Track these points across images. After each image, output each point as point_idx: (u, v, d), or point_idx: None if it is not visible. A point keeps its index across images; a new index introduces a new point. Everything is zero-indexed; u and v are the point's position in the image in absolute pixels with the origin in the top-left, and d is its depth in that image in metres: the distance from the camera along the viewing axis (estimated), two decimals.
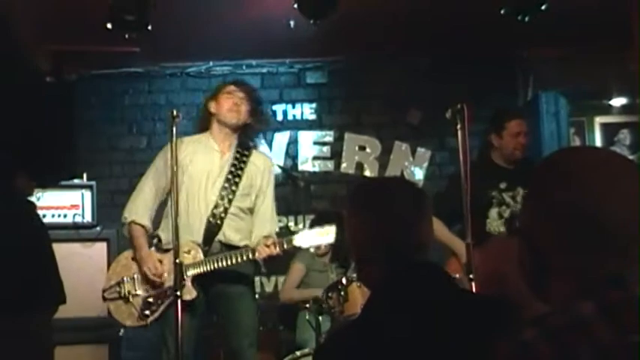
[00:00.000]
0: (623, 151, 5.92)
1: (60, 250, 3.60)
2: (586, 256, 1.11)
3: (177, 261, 3.13)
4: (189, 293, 3.38)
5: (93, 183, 4.71)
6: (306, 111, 5.84)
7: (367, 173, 5.77)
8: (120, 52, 5.06)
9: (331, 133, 5.81)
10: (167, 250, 3.45)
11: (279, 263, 3.98)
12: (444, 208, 3.60)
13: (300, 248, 3.58)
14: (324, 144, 5.80)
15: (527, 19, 4.15)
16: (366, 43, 5.28)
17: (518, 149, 4.05)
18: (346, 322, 3.33)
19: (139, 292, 3.50)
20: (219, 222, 3.51)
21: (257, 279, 5.18)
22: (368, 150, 5.80)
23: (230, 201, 3.54)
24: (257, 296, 4.08)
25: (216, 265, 3.40)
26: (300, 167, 5.75)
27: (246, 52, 5.55)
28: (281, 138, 5.78)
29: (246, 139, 3.72)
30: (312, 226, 4.16)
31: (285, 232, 3.83)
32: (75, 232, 4.52)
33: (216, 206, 3.52)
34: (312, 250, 4.56)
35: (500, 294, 1.63)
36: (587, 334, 1.00)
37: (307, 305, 4.21)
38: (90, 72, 5.53)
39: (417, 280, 1.64)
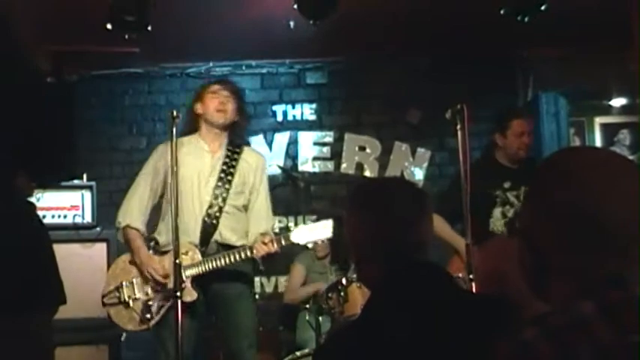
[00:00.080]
0: (623, 151, 5.92)
1: (60, 250, 3.57)
2: (586, 256, 1.11)
3: (177, 261, 3.09)
4: (190, 295, 3.36)
5: (93, 183, 4.70)
6: (306, 111, 5.84)
7: (367, 173, 5.77)
8: (120, 52, 5.06)
9: (331, 133, 5.81)
10: (164, 253, 3.44)
11: (278, 263, 3.98)
12: (446, 207, 3.61)
13: (298, 246, 3.55)
14: (324, 144, 5.80)
15: (527, 19, 4.15)
16: (366, 43, 5.28)
17: (522, 149, 4.05)
18: (346, 323, 3.33)
19: (139, 295, 3.47)
20: (214, 222, 3.49)
21: (257, 279, 5.19)
22: (368, 150, 5.80)
23: (224, 200, 3.52)
24: (257, 297, 4.08)
25: (214, 264, 3.38)
26: (300, 168, 5.75)
27: (246, 53, 5.55)
28: (281, 138, 5.78)
29: (235, 137, 3.69)
30: None
31: (285, 233, 3.81)
32: (75, 232, 4.50)
33: (210, 206, 3.50)
34: (311, 250, 4.56)
35: (500, 293, 1.63)
36: (587, 334, 1.00)
37: (307, 306, 4.21)
38: (90, 72, 5.54)
39: (416, 280, 1.64)
